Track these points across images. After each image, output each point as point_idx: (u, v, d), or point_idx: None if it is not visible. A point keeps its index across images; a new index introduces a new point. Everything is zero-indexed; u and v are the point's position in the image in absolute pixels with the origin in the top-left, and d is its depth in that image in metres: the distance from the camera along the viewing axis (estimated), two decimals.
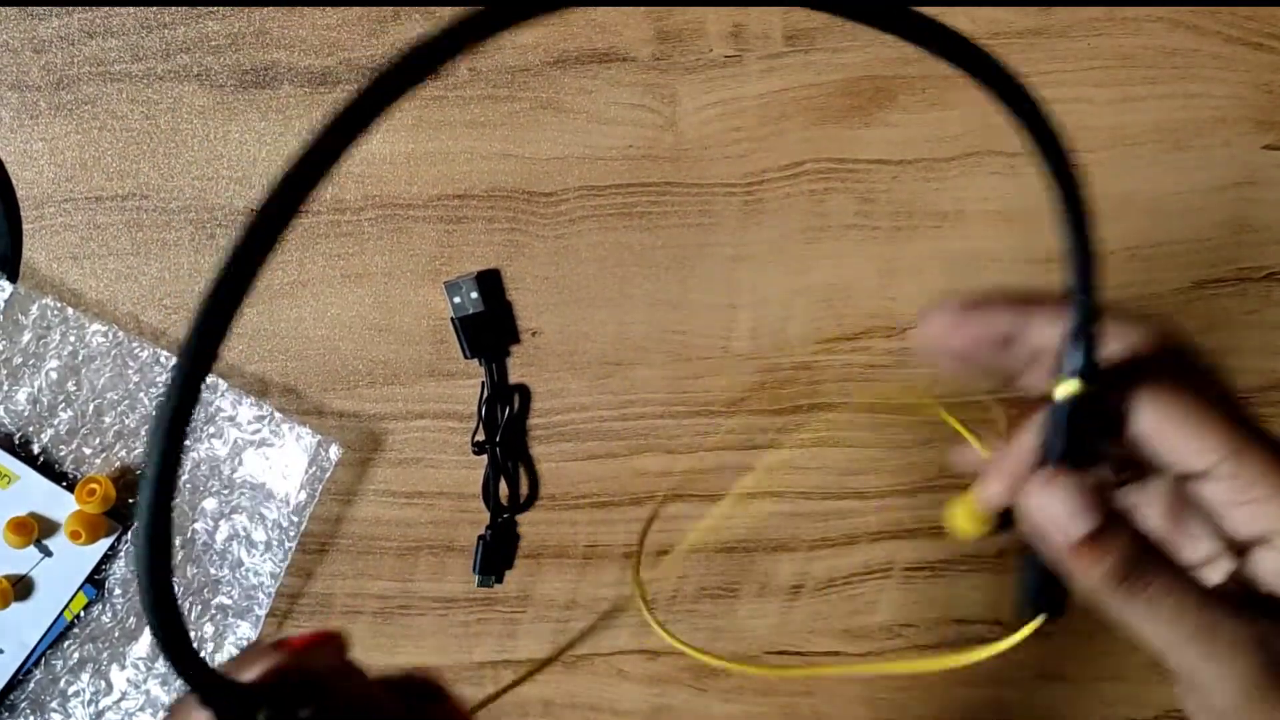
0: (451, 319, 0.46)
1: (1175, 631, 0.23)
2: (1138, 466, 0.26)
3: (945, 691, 0.51)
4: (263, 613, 0.47)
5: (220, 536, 0.47)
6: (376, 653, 0.49)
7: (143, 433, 0.47)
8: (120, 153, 0.45)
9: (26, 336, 0.46)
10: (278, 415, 0.46)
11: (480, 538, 0.48)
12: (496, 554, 0.48)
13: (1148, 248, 0.47)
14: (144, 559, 0.16)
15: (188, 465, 0.47)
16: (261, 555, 0.47)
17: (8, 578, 0.46)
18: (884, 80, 0.46)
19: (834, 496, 0.49)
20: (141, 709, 0.48)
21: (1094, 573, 0.23)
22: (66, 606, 0.47)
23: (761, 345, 0.48)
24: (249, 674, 0.23)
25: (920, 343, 0.25)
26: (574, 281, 0.47)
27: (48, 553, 0.46)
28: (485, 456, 0.47)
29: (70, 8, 0.44)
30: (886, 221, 0.47)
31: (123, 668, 0.48)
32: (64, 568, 0.46)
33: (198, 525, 0.47)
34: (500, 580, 0.49)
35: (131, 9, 0.44)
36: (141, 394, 0.46)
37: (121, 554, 0.47)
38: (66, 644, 0.47)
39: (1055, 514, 0.23)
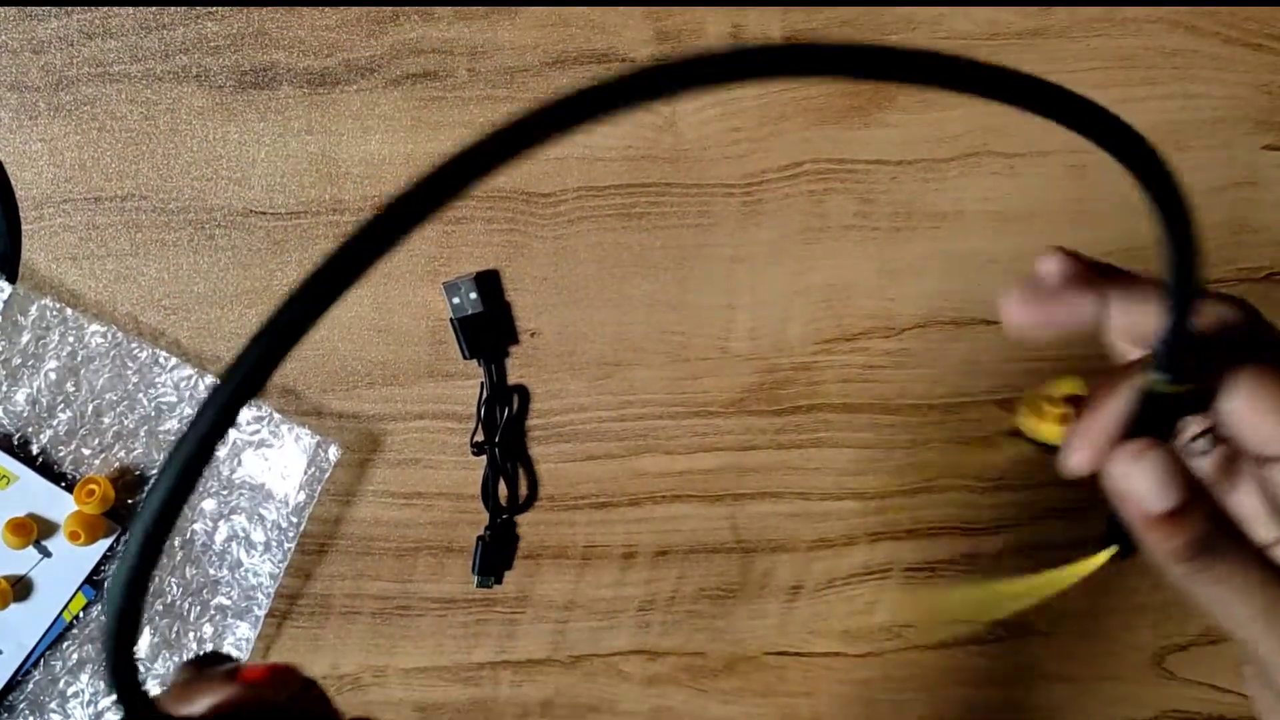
0: (450, 320, 0.46)
1: (1242, 609, 0.23)
2: (1220, 440, 0.25)
3: (945, 692, 0.51)
4: (262, 613, 0.47)
5: (219, 537, 0.47)
6: (375, 654, 0.49)
7: (142, 433, 0.47)
8: (119, 154, 0.45)
9: (25, 337, 0.46)
10: (277, 416, 0.46)
11: (479, 538, 0.48)
12: (495, 555, 0.48)
13: (1147, 248, 0.47)
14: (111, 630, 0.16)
15: None
16: (260, 556, 0.47)
17: (7, 578, 0.46)
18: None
19: (833, 497, 0.49)
20: None
21: (1167, 547, 0.23)
22: (65, 607, 0.47)
23: (760, 346, 0.48)
24: (196, 706, 0.22)
25: (1006, 323, 0.25)
26: (573, 282, 0.47)
27: (47, 553, 0.46)
28: (484, 457, 0.47)
29: (69, 9, 0.44)
30: (886, 222, 0.47)
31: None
32: (63, 568, 0.46)
33: (197, 526, 0.47)
34: (499, 581, 0.49)
35: (130, 10, 0.44)
36: (140, 395, 0.46)
37: (121, 555, 0.47)
38: (65, 645, 0.47)
39: (1137, 487, 0.23)
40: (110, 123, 0.45)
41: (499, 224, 0.46)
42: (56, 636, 0.47)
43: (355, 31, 0.45)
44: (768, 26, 0.45)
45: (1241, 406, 0.23)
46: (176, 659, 0.48)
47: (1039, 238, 0.47)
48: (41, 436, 0.47)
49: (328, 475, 0.47)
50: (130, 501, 0.47)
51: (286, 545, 0.47)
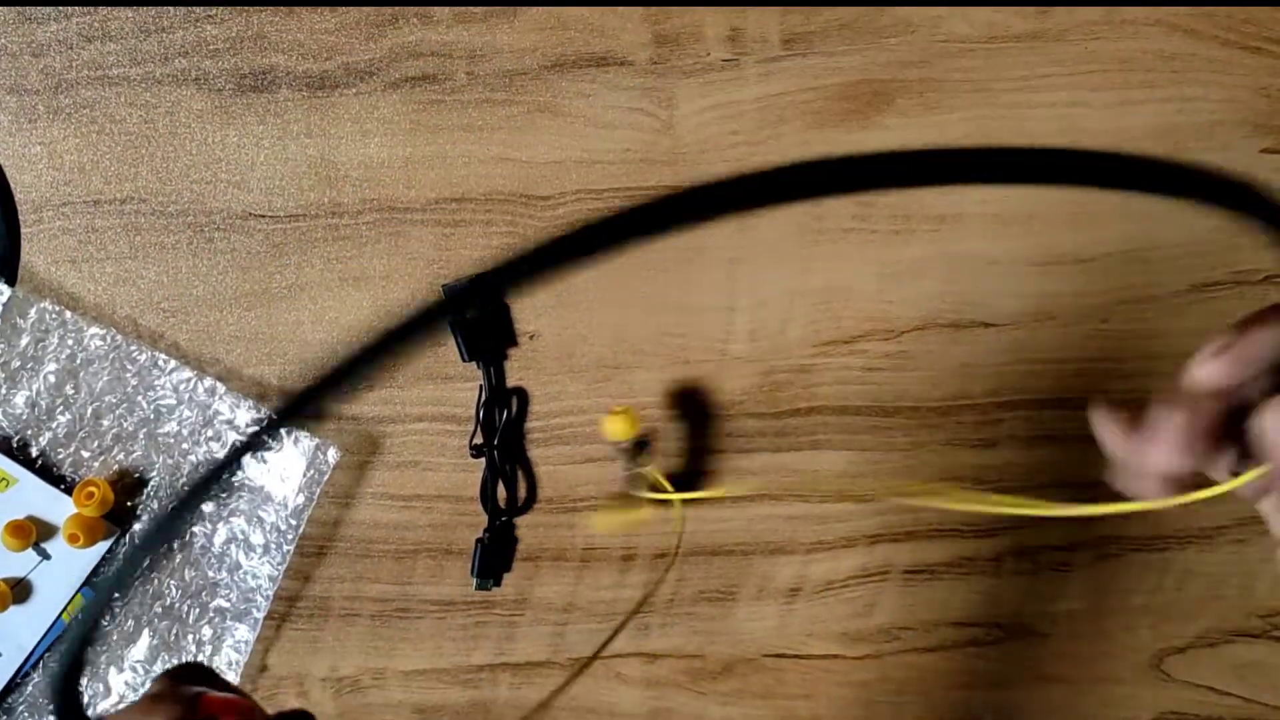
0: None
1: None
2: None
3: (943, 695, 0.51)
4: (261, 615, 0.47)
5: (218, 539, 0.47)
6: (374, 656, 0.49)
7: (141, 436, 0.47)
8: (118, 156, 0.45)
9: (25, 340, 0.46)
10: (276, 418, 0.46)
11: (478, 541, 0.48)
12: (494, 557, 0.48)
13: (1145, 250, 0.47)
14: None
15: (185, 469, 0.47)
16: (260, 558, 0.47)
17: (6, 581, 0.46)
18: (881, 84, 0.46)
19: (832, 499, 0.49)
20: None
21: None
22: (65, 609, 0.47)
23: (760, 348, 0.48)
24: None
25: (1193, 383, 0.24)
26: (572, 285, 0.47)
27: (46, 556, 0.46)
28: (483, 459, 0.47)
29: (68, 11, 0.44)
30: (885, 224, 0.47)
31: (120, 670, 0.48)
32: (62, 571, 0.46)
33: (196, 528, 0.47)
34: (498, 583, 0.49)
35: (130, 13, 0.44)
36: (139, 397, 0.46)
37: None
38: (65, 647, 0.47)
39: None
40: (109, 126, 0.45)
41: (498, 226, 0.46)
42: (55, 639, 0.47)
43: (354, 35, 0.45)
44: (766, 29, 0.45)
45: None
46: (175, 660, 0.48)
47: (1038, 239, 0.47)
48: (41, 439, 0.47)
49: (326, 478, 0.47)
50: (129, 504, 0.47)
51: (285, 547, 0.47)
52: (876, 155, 0.14)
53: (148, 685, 0.48)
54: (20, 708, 0.47)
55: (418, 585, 0.49)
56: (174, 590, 0.48)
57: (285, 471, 0.47)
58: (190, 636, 0.48)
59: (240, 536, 0.47)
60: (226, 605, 0.48)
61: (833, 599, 0.50)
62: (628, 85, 0.46)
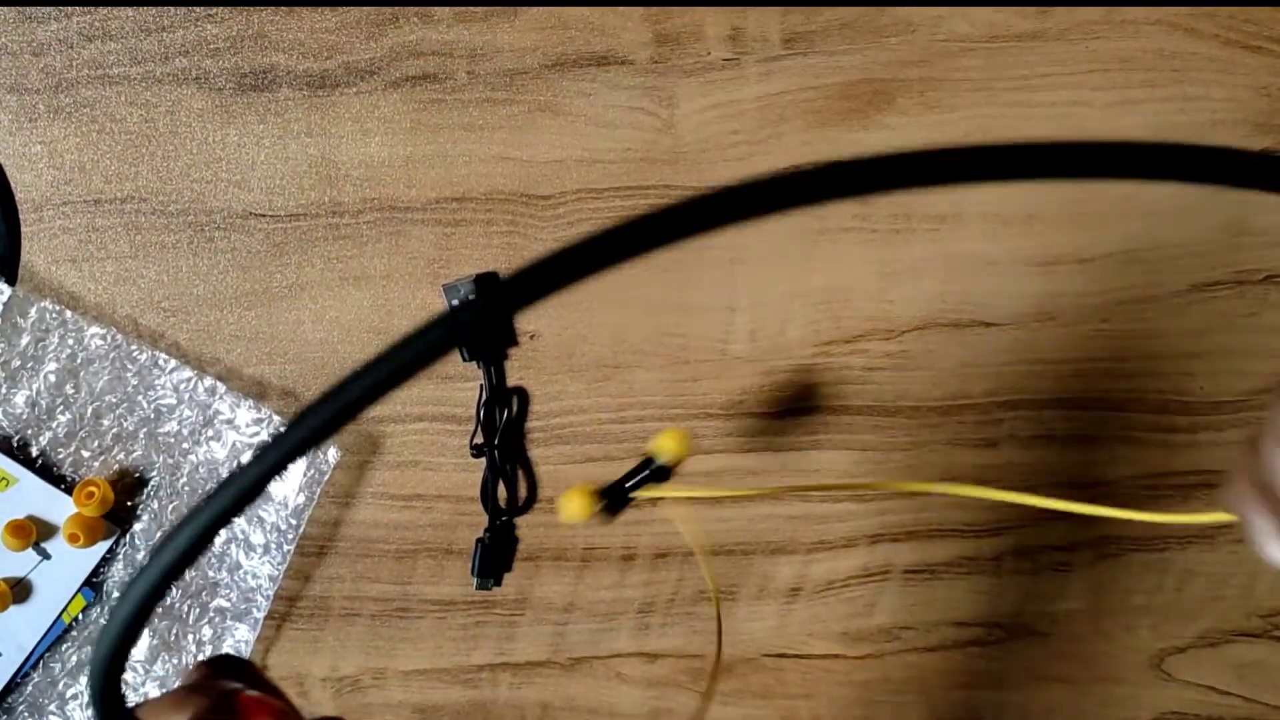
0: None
1: None
2: None
3: (944, 694, 0.51)
4: (261, 615, 0.47)
5: (218, 539, 0.47)
6: (375, 656, 0.49)
7: (141, 435, 0.47)
8: (119, 156, 0.45)
9: (25, 339, 0.46)
10: (276, 418, 0.46)
11: (478, 540, 0.48)
12: (495, 557, 0.48)
13: (1146, 250, 0.47)
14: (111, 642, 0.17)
15: (185, 469, 0.47)
16: (260, 558, 0.47)
17: (6, 580, 0.46)
18: (882, 83, 0.46)
19: (832, 499, 0.49)
20: None
21: None
22: (65, 609, 0.47)
23: (760, 348, 0.48)
24: (180, 718, 0.22)
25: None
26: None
27: (46, 555, 0.46)
28: (483, 459, 0.47)
29: (69, 10, 0.44)
30: (885, 224, 0.47)
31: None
32: (62, 571, 0.46)
33: None
34: (499, 583, 0.49)
35: (130, 12, 0.44)
36: (140, 397, 0.46)
37: (120, 557, 0.47)
38: (64, 647, 0.47)
39: None
40: (110, 125, 0.45)
41: (498, 226, 0.46)
42: (55, 639, 0.47)
43: (355, 34, 0.45)
44: (767, 28, 0.45)
45: None
46: (175, 661, 0.48)
47: (1038, 239, 0.47)
48: (41, 439, 0.47)
49: (327, 477, 0.47)
50: (129, 503, 0.47)
51: (286, 547, 0.47)
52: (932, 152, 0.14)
53: (147, 687, 0.48)
54: (20, 707, 0.47)
55: (418, 585, 0.49)
56: (174, 590, 0.48)
57: (285, 471, 0.47)
58: (190, 636, 0.48)
59: (240, 536, 0.47)
60: (226, 605, 0.48)
61: (833, 599, 0.50)
62: (628, 84, 0.46)
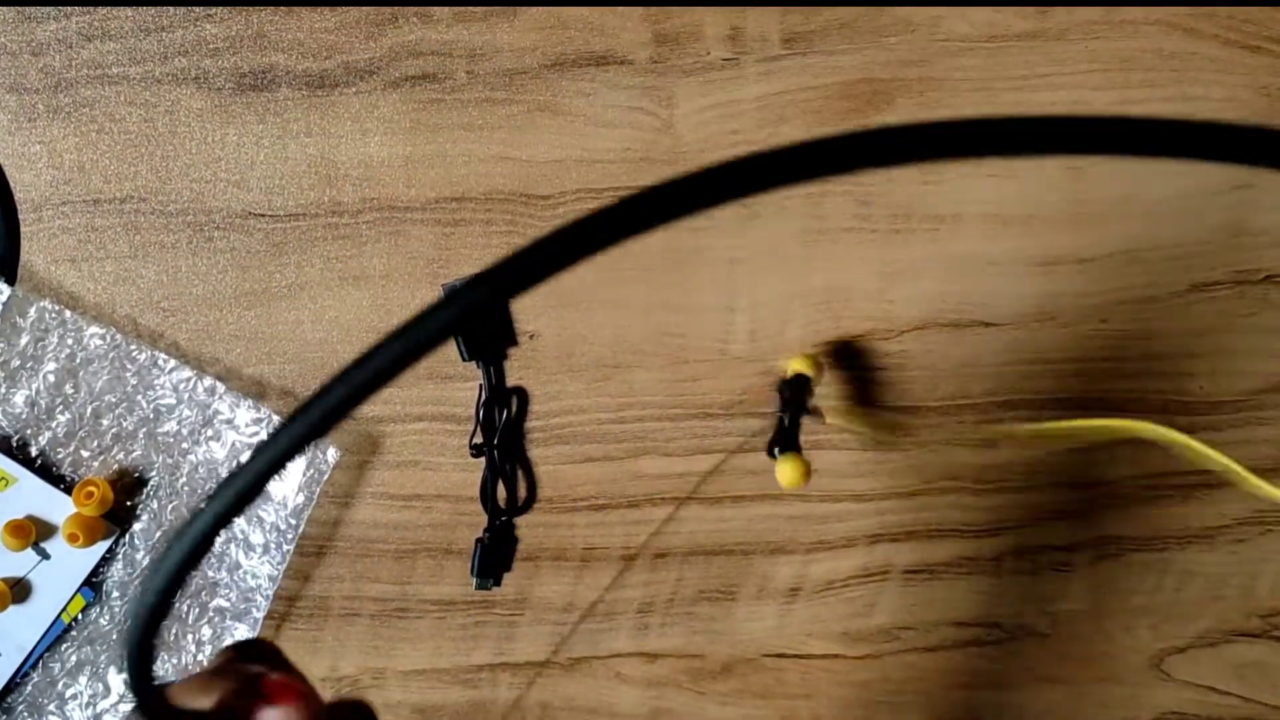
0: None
1: None
2: None
3: (944, 695, 0.51)
4: (260, 615, 0.47)
5: (218, 539, 0.47)
6: (374, 656, 0.49)
7: (140, 435, 0.47)
8: (118, 155, 0.45)
9: (24, 339, 0.46)
10: (275, 418, 0.46)
11: (478, 540, 0.48)
12: (494, 557, 0.48)
13: (1146, 250, 0.47)
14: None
15: (185, 469, 0.47)
16: (259, 558, 0.47)
17: (5, 580, 0.46)
18: (881, 83, 0.46)
19: (832, 499, 0.49)
20: None
21: None
22: (64, 609, 0.47)
23: (760, 348, 0.48)
24: (202, 703, 0.22)
25: None
26: (572, 284, 0.47)
27: (45, 555, 0.46)
28: (483, 459, 0.47)
29: (68, 10, 0.44)
30: (884, 224, 0.47)
31: (120, 670, 0.48)
32: (62, 570, 0.46)
33: None
34: (498, 583, 0.49)
35: (129, 12, 0.44)
36: (139, 397, 0.46)
37: (119, 557, 0.47)
38: (64, 647, 0.47)
39: None
40: (109, 125, 0.45)
41: (498, 225, 0.46)
42: (55, 639, 0.47)
43: (354, 34, 0.45)
44: (766, 28, 0.45)
45: None
46: (175, 661, 0.48)
47: (1038, 240, 0.47)
48: (40, 438, 0.46)
49: (326, 477, 0.47)
50: (129, 503, 0.47)
51: (285, 547, 0.47)
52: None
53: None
54: (20, 707, 0.47)
55: (417, 585, 0.49)
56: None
57: (284, 471, 0.47)
58: (190, 636, 0.48)
59: (239, 536, 0.47)
60: (226, 605, 0.48)
61: (833, 599, 0.50)
62: (628, 84, 0.46)
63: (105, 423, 0.47)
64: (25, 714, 0.47)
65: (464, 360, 0.47)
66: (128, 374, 0.46)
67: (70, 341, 0.46)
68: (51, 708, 0.47)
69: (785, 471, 0.42)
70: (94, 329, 0.46)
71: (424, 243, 0.46)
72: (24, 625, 0.46)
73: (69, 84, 0.45)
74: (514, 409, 0.48)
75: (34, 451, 0.46)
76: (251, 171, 0.46)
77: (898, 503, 0.49)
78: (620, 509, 0.48)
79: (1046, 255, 0.47)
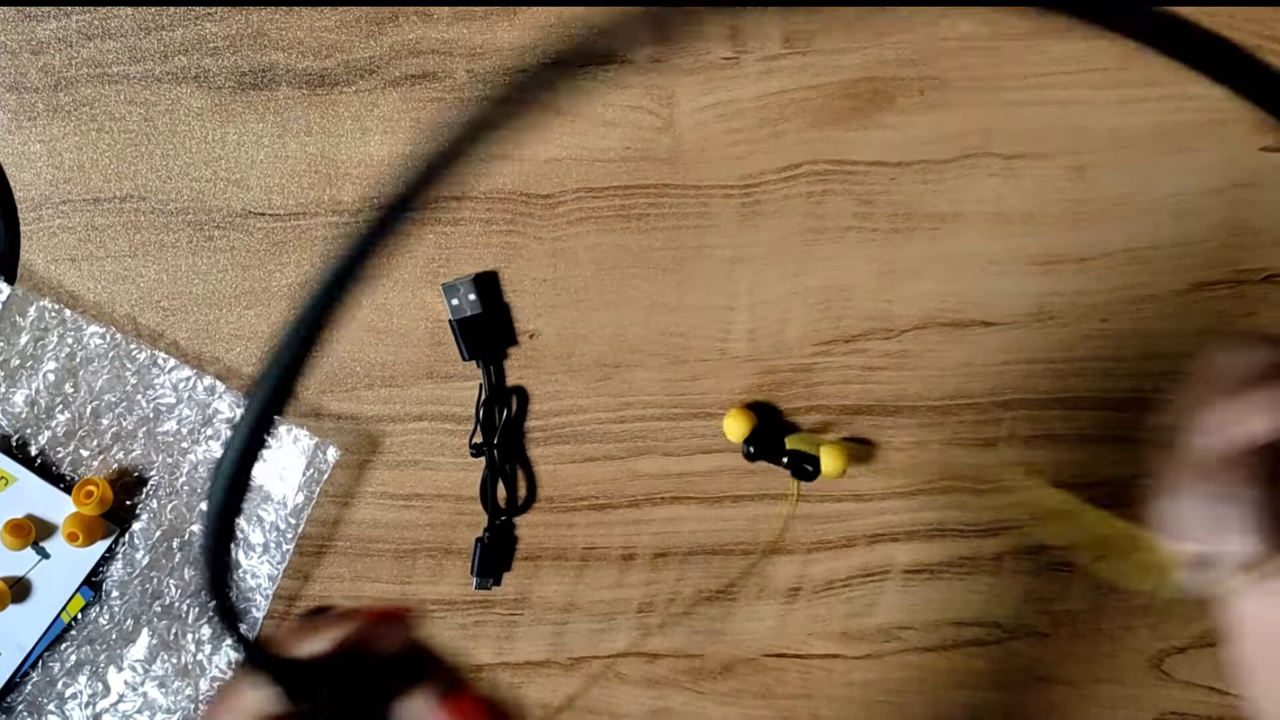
0: (449, 321, 0.46)
1: None
2: None
3: (945, 694, 0.51)
4: (260, 615, 0.47)
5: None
6: None
7: (140, 434, 0.47)
8: (118, 154, 0.45)
9: (24, 338, 0.46)
10: (275, 417, 0.46)
11: (478, 540, 0.48)
12: (494, 556, 0.48)
13: (1146, 250, 0.47)
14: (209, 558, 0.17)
15: (185, 468, 0.47)
16: (259, 557, 0.47)
17: (5, 580, 0.46)
18: (882, 82, 0.46)
19: (832, 499, 0.49)
20: (139, 711, 0.48)
21: None
22: (64, 609, 0.47)
23: (759, 347, 0.47)
24: (314, 646, 0.23)
25: None
26: (572, 283, 0.47)
27: (45, 555, 0.46)
28: (483, 459, 0.47)
29: (68, 9, 0.44)
30: (885, 223, 0.47)
31: (120, 670, 0.48)
32: (61, 570, 0.46)
33: (195, 528, 0.47)
34: (498, 583, 0.49)
35: (129, 11, 0.44)
36: (139, 396, 0.46)
37: (119, 556, 0.47)
38: (64, 646, 0.47)
39: None
40: (109, 124, 0.45)
41: (498, 225, 0.46)
42: (55, 638, 0.47)
43: (354, 32, 0.45)
44: (766, 28, 0.45)
45: None
46: (175, 660, 0.48)
47: (1038, 239, 0.47)
48: (40, 438, 0.46)
49: (326, 477, 0.47)
50: (129, 503, 0.47)
51: (285, 547, 0.47)
52: None
53: (146, 686, 0.48)
54: (20, 707, 0.47)
55: (417, 584, 0.49)
56: (173, 589, 0.48)
57: (285, 470, 0.47)
58: (190, 636, 0.48)
59: (240, 535, 0.47)
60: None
61: (833, 599, 0.50)
62: (628, 83, 0.46)
63: (105, 422, 0.47)
64: (25, 713, 0.47)
65: (464, 360, 0.47)
66: (127, 373, 0.46)
67: (70, 340, 0.46)
68: (51, 707, 0.47)
69: (829, 461, 0.46)
70: (94, 328, 0.46)
71: (423, 242, 0.46)
72: (24, 624, 0.46)
73: (69, 83, 0.45)
74: (514, 409, 0.48)
75: (34, 451, 0.46)
76: (252, 170, 0.46)
77: (898, 503, 0.49)
78: (620, 508, 0.48)
79: (1046, 255, 0.47)
